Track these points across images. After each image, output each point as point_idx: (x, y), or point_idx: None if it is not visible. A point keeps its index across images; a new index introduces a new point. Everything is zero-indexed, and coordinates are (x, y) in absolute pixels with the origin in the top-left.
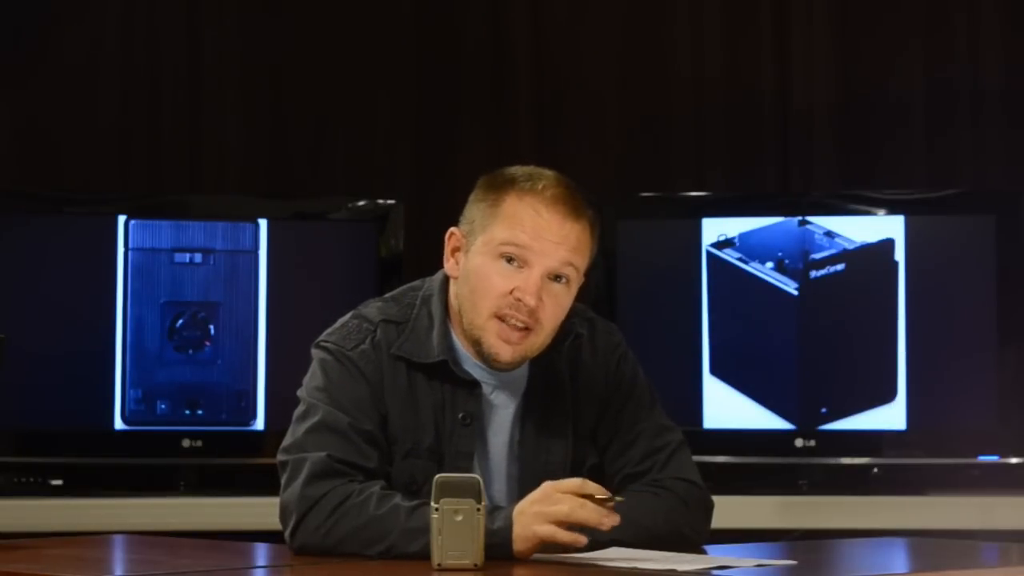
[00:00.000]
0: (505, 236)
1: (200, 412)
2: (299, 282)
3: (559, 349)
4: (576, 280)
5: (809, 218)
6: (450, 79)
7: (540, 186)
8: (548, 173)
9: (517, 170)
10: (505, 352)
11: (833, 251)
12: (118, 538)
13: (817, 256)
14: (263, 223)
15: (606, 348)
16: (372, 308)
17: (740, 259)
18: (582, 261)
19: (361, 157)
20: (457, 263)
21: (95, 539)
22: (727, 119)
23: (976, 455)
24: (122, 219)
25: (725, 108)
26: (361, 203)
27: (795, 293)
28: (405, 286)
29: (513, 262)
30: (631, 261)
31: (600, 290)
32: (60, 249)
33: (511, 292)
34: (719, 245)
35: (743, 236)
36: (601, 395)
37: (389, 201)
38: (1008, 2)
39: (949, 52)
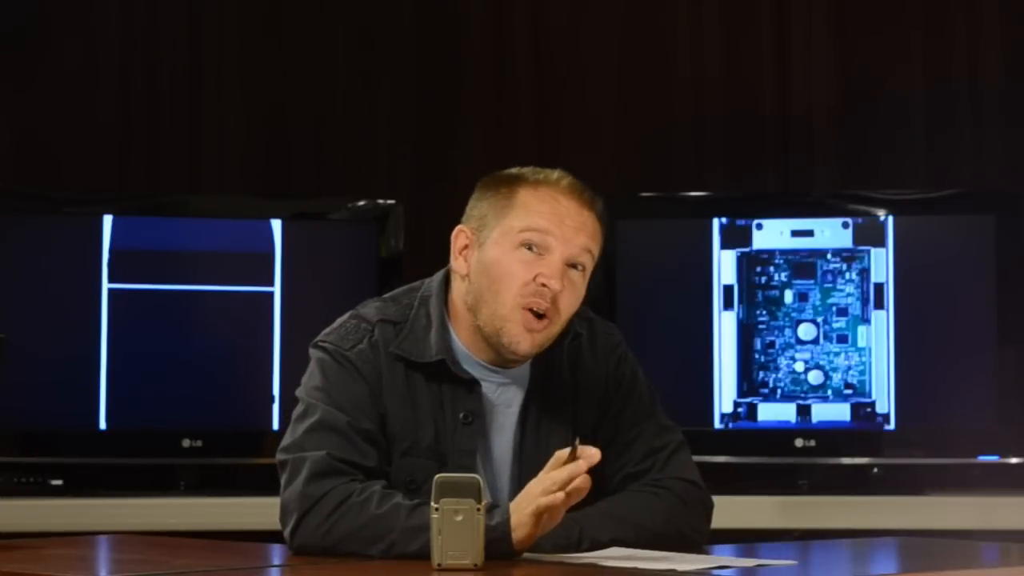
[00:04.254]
0: (525, 223)
1: (201, 412)
2: (299, 282)
3: (560, 347)
4: (589, 270)
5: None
6: (450, 79)
7: (553, 177)
8: (552, 170)
9: (521, 168)
10: (525, 341)
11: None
12: (118, 538)
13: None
14: (262, 223)
15: (605, 348)
16: (370, 308)
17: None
18: (597, 250)
19: (361, 157)
20: (467, 261)
21: (95, 539)
22: (727, 119)
23: (976, 455)
24: (122, 219)
25: (725, 108)
26: (361, 203)
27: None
28: (405, 287)
29: (533, 249)
30: (631, 261)
31: (600, 290)
32: (60, 248)
33: (535, 278)
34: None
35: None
36: (601, 395)
37: (389, 201)
38: (1008, 2)
39: (949, 52)
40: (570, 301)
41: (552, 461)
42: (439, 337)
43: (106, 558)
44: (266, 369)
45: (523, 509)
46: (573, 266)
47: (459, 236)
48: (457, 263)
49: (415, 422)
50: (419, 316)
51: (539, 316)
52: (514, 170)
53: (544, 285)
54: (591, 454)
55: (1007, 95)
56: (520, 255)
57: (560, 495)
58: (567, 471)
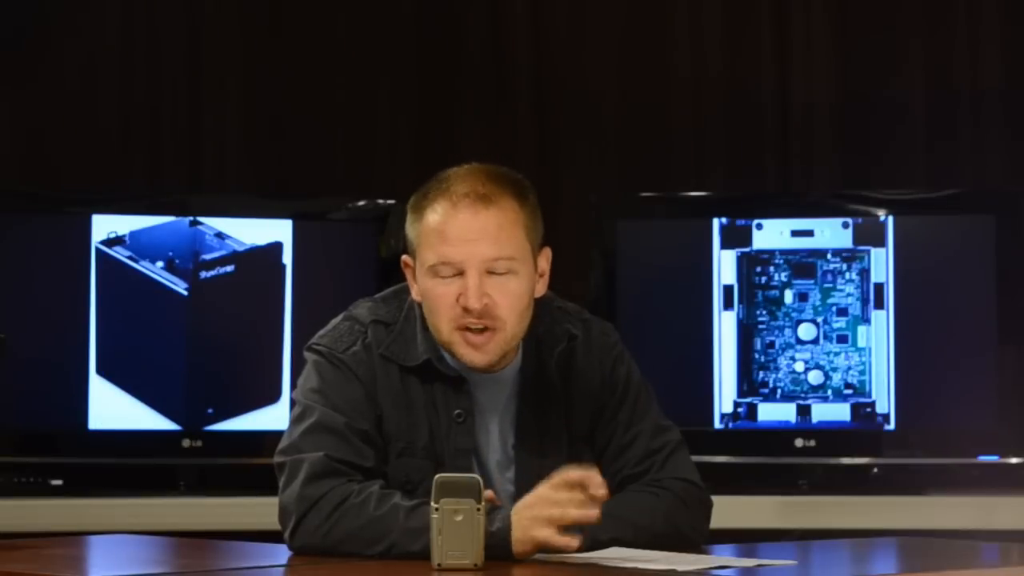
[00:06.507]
0: (431, 255)
1: (201, 412)
2: (298, 282)
3: (550, 355)
4: (523, 263)
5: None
6: (450, 80)
7: (447, 187)
8: (462, 169)
9: (438, 177)
10: (477, 357)
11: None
12: (118, 538)
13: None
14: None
15: (601, 349)
16: (363, 308)
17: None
18: (515, 244)
19: (361, 157)
20: (418, 287)
21: (95, 539)
22: (727, 119)
23: (976, 455)
24: (122, 219)
25: (725, 108)
26: (361, 203)
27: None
28: (398, 286)
29: (449, 274)
30: (631, 261)
31: (600, 290)
32: (60, 248)
33: (457, 301)
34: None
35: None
36: (597, 397)
37: (389, 201)
38: (1008, 2)
39: (949, 52)
40: (509, 304)
41: (561, 478)
42: (424, 339)
43: (106, 558)
44: (268, 369)
45: (527, 527)
46: (497, 270)
47: (406, 268)
48: (414, 291)
49: (410, 423)
50: (409, 318)
51: (479, 331)
52: (429, 184)
53: (465, 308)
54: (601, 494)
55: (1007, 95)
56: (440, 282)
57: (576, 543)
58: (579, 514)
